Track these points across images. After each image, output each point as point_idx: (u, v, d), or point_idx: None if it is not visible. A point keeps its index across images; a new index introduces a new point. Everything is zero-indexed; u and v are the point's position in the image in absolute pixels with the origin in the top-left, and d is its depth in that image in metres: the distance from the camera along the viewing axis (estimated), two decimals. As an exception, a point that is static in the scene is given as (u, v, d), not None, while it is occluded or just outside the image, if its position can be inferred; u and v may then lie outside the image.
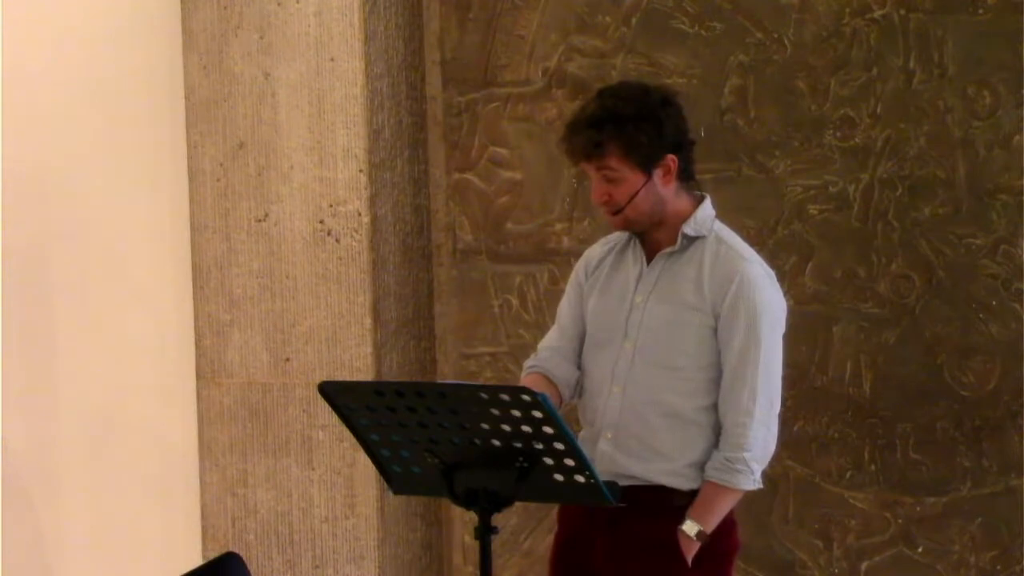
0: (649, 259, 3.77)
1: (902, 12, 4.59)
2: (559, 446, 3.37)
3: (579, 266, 3.92)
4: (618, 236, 3.86)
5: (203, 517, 5.43)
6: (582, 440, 3.75)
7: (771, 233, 4.75)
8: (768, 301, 3.71)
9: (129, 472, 5.50)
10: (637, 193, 3.67)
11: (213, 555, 5.27)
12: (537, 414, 3.33)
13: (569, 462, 3.39)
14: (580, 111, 3.71)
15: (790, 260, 4.73)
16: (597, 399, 3.77)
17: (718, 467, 3.65)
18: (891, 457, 4.65)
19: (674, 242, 3.73)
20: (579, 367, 3.85)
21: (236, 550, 4.95)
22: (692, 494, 3.68)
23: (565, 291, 3.93)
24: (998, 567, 4.56)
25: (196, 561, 5.24)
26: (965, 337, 4.57)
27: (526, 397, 3.31)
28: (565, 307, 3.92)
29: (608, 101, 3.69)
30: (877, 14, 4.62)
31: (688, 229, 3.72)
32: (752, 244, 4.70)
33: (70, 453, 5.46)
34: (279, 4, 5.23)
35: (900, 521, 4.65)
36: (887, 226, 4.64)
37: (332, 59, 5.17)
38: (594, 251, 3.91)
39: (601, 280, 3.83)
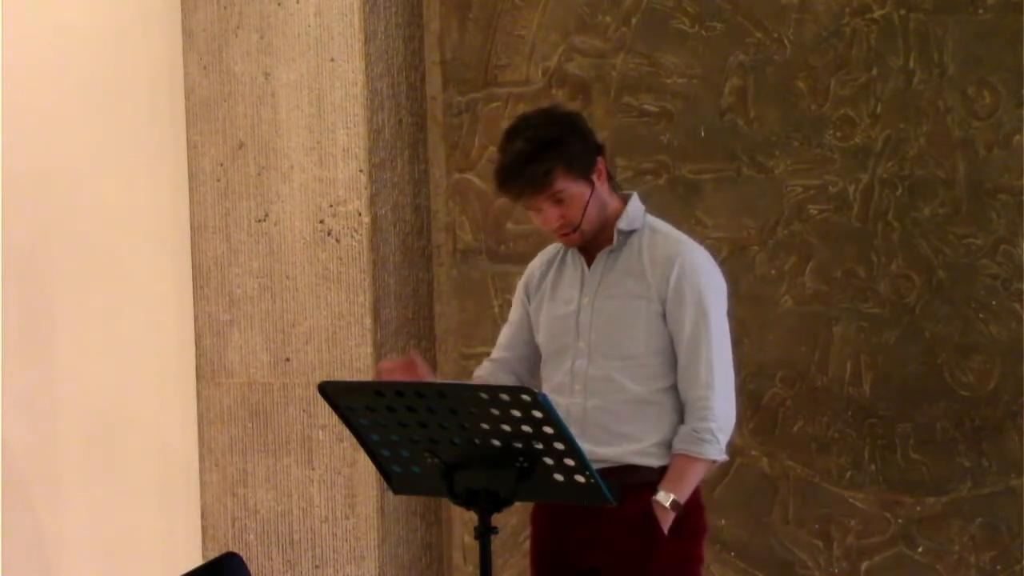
0: (589, 260, 3.86)
1: (902, 12, 4.59)
2: (559, 446, 3.38)
3: (521, 285, 4.02)
4: (556, 246, 3.96)
5: (203, 517, 5.43)
6: None
7: (771, 233, 4.74)
8: (710, 279, 3.82)
9: (129, 472, 5.50)
10: (587, 204, 3.78)
11: (213, 555, 5.27)
12: (537, 414, 3.34)
13: (569, 462, 3.40)
14: (506, 154, 3.79)
15: (790, 260, 4.73)
16: (560, 400, 3.82)
17: (685, 439, 3.75)
18: (891, 457, 4.65)
19: (611, 240, 3.83)
20: (518, 377, 3.97)
21: (236, 550, 4.96)
22: (661, 470, 3.77)
23: (512, 314, 4.03)
24: (998, 567, 4.56)
25: (196, 561, 5.25)
26: (965, 337, 4.56)
27: (526, 397, 3.33)
28: (505, 328, 4.04)
29: (531, 132, 3.79)
30: (877, 14, 4.62)
31: (622, 224, 3.83)
32: (752, 244, 4.73)
33: (70, 453, 5.46)
34: (279, 4, 5.23)
35: (900, 521, 4.65)
36: (887, 226, 4.64)
37: (332, 59, 5.17)
38: (534, 266, 4.01)
39: (547, 292, 3.93)
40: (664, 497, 3.72)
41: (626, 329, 3.79)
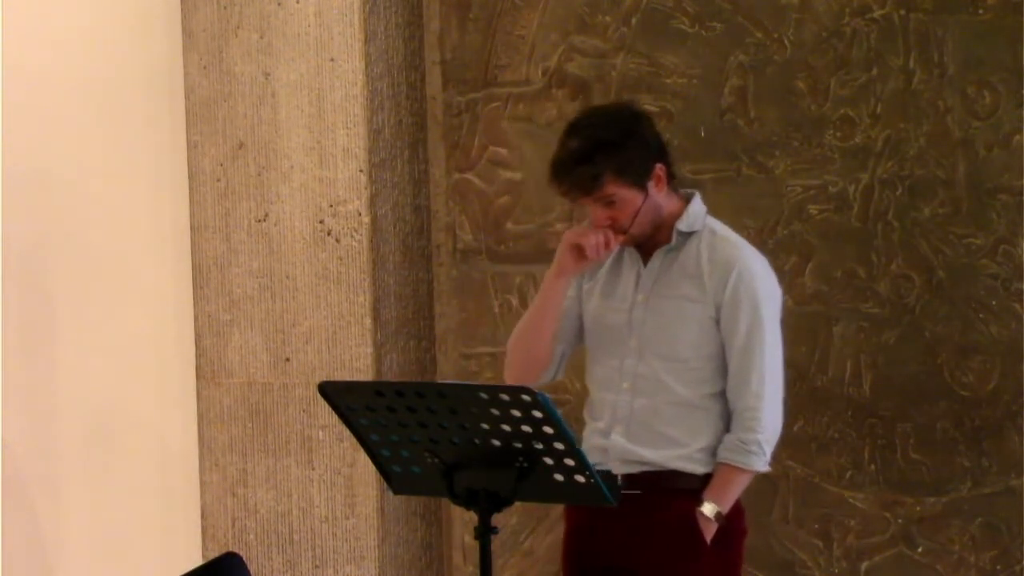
0: (646, 257, 3.83)
1: (902, 12, 4.59)
2: (559, 446, 3.38)
3: None
4: None
5: (203, 517, 5.43)
6: (593, 432, 3.85)
7: (771, 233, 4.74)
8: (767, 288, 3.80)
9: (129, 472, 5.50)
10: (638, 211, 3.74)
11: (213, 555, 5.26)
12: (537, 414, 3.33)
13: (569, 462, 3.40)
14: (561, 149, 3.76)
15: (790, 260, 4.72)
16: (606, 396, 3.82)
17: (732, 449, 3.73)
18: (891, 457, 4.65)
19: (669, 239, 3.80)
20: (563, 348, 3.91)
21: (236, 550, 4.96)
22: (704, 478, 3.75)
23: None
24: (998, 567, 4.56)
25: (196, 561, 5.24)
26: (965, 337, 4.57)
27: (526, 397, 3.32)
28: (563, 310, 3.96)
29: (588, 132, 3.75)
30: (877, 14, 4.62)
31: (682, 226, 3.80)
32: (752, 244, 4.72)
33: (70, 453, 5.46)
34: (279, 4, 5.23)
35: (900, 521, 4.65)
36: (887, 226, 4.64)
37: (332, 59, 5.17)
38: None
39: (600, 284, 3.89)
40: (709, 509, 3.72)
41: (678, 331, 3.77)
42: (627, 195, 3.73)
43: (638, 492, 3.72)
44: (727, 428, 3.76)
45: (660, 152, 3.79)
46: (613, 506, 3.50)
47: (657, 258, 3.82)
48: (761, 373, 3.73)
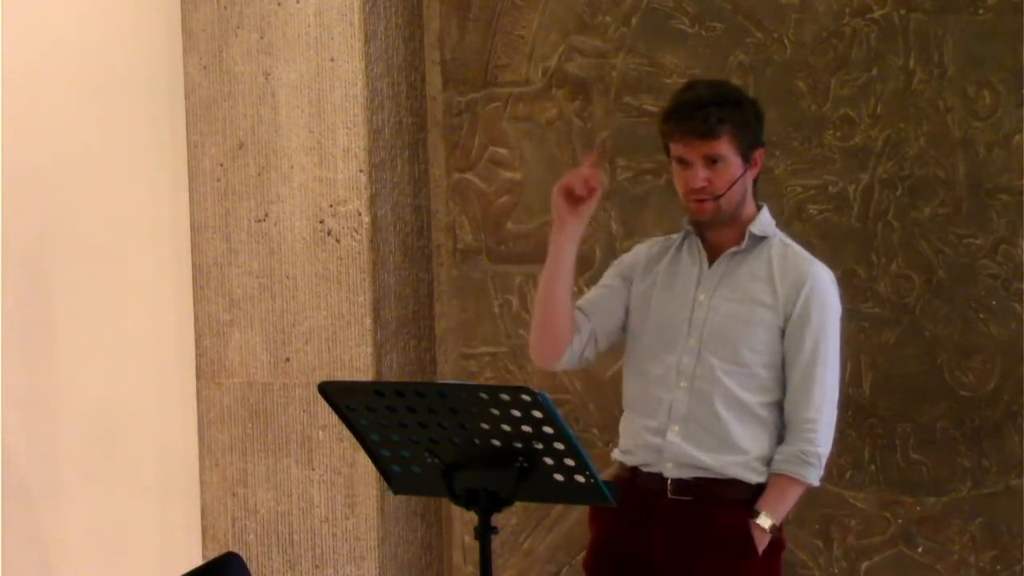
0: (711, 258, 3.80)
1: (902, 12, 4.59)
2: (559, 446, 3.37)
3: (623, 262, 3.93)
4: (667, 238, 3.90)
5: (203, 517, 5.43)
6: (643, 430, 3.80)
7: (771, 233, 4.74)
8: (834, 304, 3.81)
9: (129, 472, 5.50)
10: (736, 181, 3.71)
11: (213, 555, 5.27)
12: (537, 414, 3.33)
13: (569, 462, 3.40)
14: (684, 96, 3.75)
15: (790, 260, 4.72)
16: (661, 394, 3.77)
17: (791, 460, 3.71)
18: (891, 457, 4.65)
19: (737, 242, 3.77)
20: (592, 327, 3.85)
21: (236, 550, 4.96)
22: (755, 488, 3.72)
23: (605, 281, 3.93)
24: (998, 567, 4.56)
25: (196, 561, 5.25)
26: (965, 337, 4.57)
27: (526, 397, 3.32)
28: (596, 290, 3.92)
29: (714, 86, 3.79)
30: (877, 14, 4.62)
31: (755, 229, 3.78)
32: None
33: (70, 453, 5.46)
34: (279, 4, 5.23)
35: (900, 521, 4.65)
36: (887, 226, 4.64)
37: (332, 59, 5.17)
38: (642, 250, 3.92)
39: (659, 281, 3.84)
40: (765, 520, 3.69)
41: (743, 335, 3.74)
42: (733, 160, 3.70)
43: (689, 499, 3.71)
44: (779, 440, 3.73)
45: (763, 141, 3.79)
46: (613, 506, 3.49)
47: (723, 260, 3.78)
48: (823, 387, 3.72)
